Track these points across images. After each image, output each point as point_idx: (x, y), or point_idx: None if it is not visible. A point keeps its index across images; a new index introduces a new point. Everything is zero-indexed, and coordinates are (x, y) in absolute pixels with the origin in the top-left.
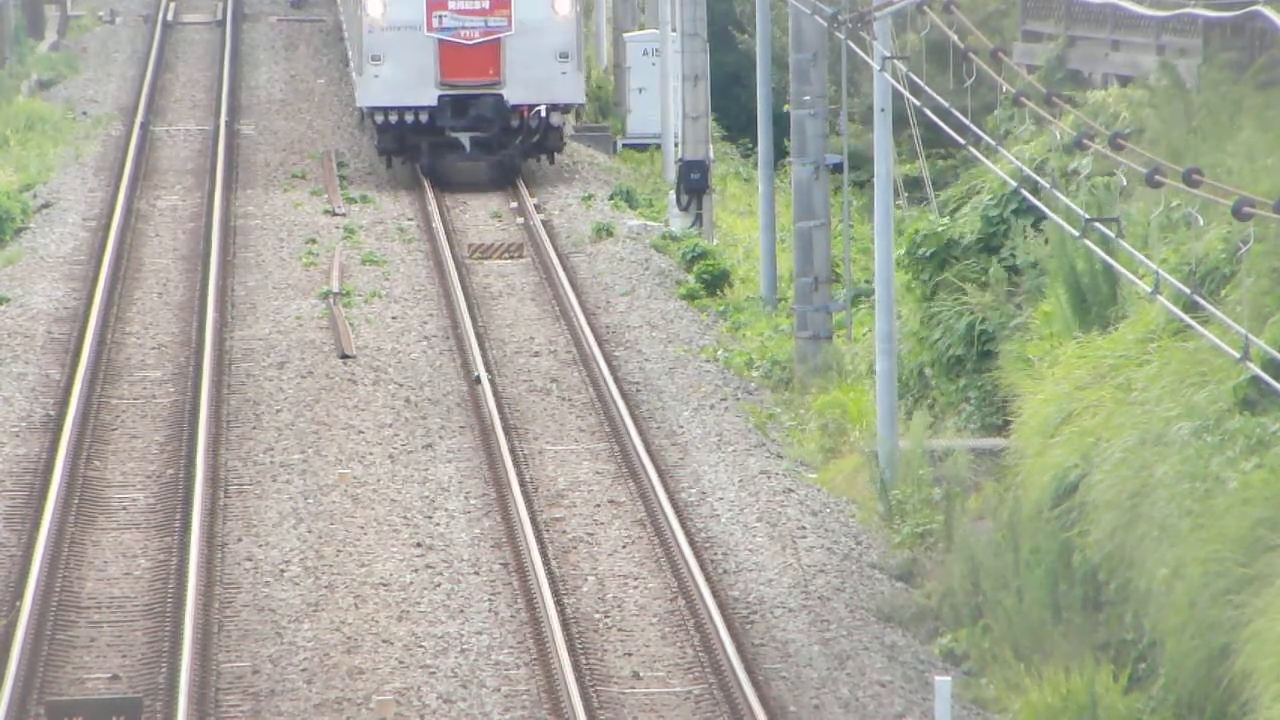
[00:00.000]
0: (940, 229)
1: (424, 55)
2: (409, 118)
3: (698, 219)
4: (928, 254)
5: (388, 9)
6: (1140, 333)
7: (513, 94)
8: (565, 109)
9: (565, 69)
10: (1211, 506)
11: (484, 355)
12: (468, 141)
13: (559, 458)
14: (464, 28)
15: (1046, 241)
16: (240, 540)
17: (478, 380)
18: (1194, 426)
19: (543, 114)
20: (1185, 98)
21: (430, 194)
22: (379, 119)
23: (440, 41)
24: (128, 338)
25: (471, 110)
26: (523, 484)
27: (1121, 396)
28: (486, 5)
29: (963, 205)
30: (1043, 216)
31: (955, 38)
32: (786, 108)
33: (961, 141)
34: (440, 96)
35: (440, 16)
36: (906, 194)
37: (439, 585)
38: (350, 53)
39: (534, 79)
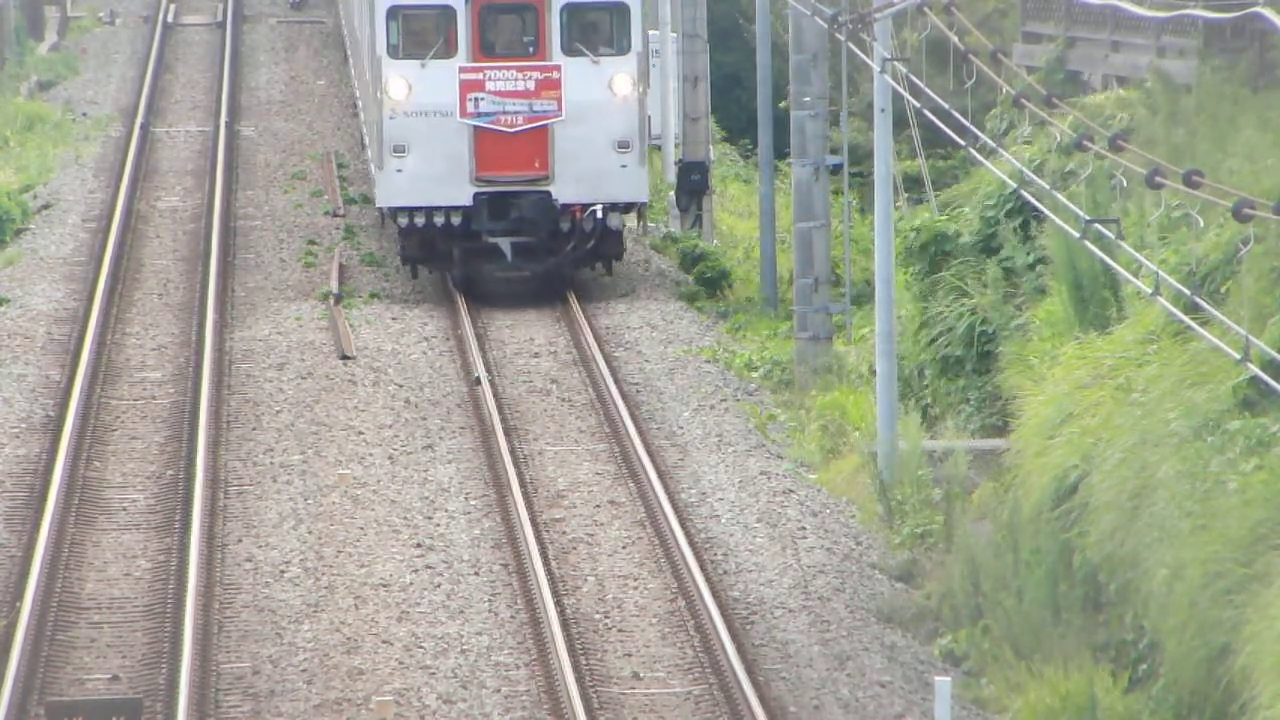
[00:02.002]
0: (936, 223)
1: (457, 145)
2: (439, 220)
3: (698, 220)
4: (918, 246)
5: (413, 90)
6: (1140, 333)
7: (563, 191)
8: (625, 209)
9: (625, 161)
10: (1211, 507)
11: (484, 356)
12: (509, 248)
13: (559, 458)
14: (505, 113)
15: (1043, 245)
16: (240, 541)
17: (477, 381)
18: (1194, 427)
19: (598, 215)
20: (1183, 98)
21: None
22: (403, 221)
23: (476, 129)
24: (128, 339)
25: (514, 211)
26: (523, 485)
27: (1121, 397)
28: (531, 86)
29: (963, 206)
30: (1035, 219)
31: (955, 39)
32: (784, 104)
33: (961, 142)
34: (476, 195)
35: (476, 99)
36: (906, 194)
37: (439, 586)
38: (367, 140)
39: (588, 173)
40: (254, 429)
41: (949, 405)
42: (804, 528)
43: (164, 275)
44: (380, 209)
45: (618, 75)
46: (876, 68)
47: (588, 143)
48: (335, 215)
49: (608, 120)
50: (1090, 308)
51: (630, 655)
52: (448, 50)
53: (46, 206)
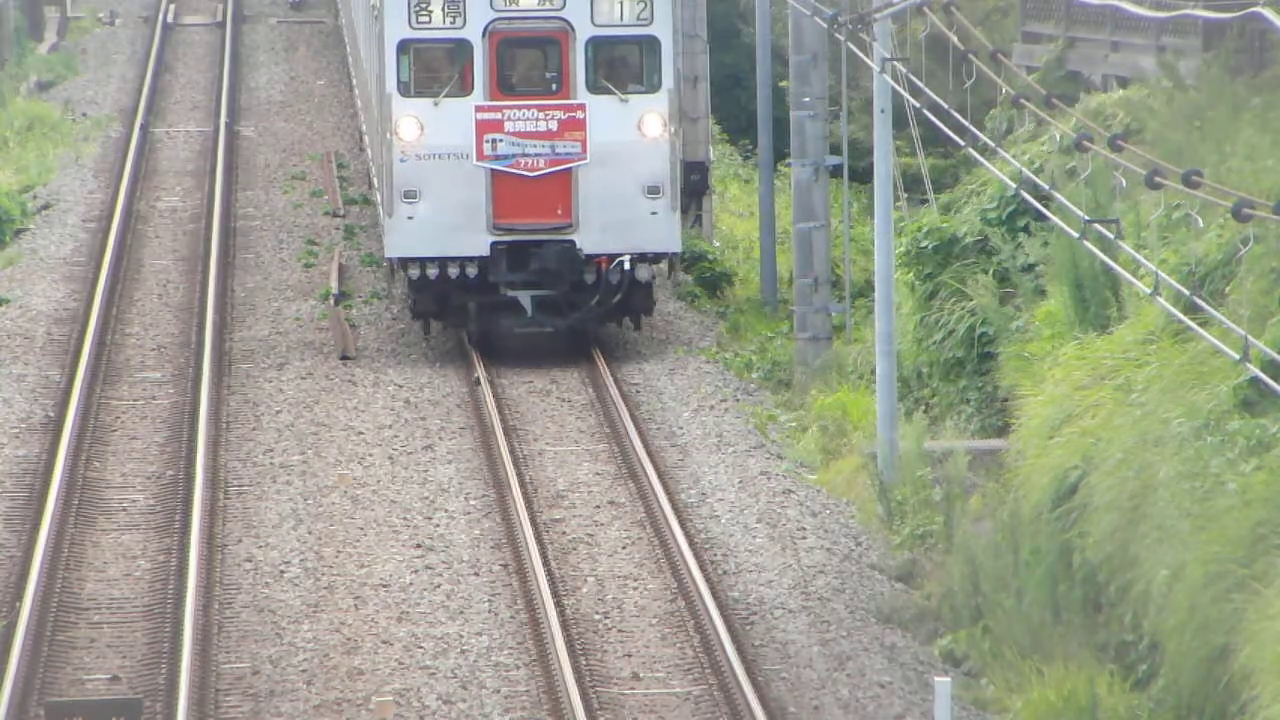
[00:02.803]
0: (943, 224)
1: (473, 191)
2: (453, 271)
3: (697, 220)
4: (930, 248)
5: (425, 131)
6: (1140, 334)
7: (588, 240)
8: (655, 259)
9: (656, 208)
10: (1212, 507)
11: (484, 357)
12: (529, 302)
13: (559, 459)
14: (525, 155)
15: (1045, 244)
16: (240, 541)
17: (477, 382)
18: (1194, 427)
19: (626, 266)
20: (1185, 97)
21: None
22: (413, 273)
23: (494, 173)
24: (127, 339)
25: (534, 262)
26: (522, 485)
27: (1121, 397)
28: (554, 126)
29: (964, 206)
30: (1035, 220)
31: (955, 39)
32: (785, 84)
33: (961, 143)
34: (494, 244)
35: (494, 141)
36: (906, 194)
37: (439, 586)
38: (375, 183)
39: (615, 221)
40: (254, 429)
41: (949, 406)
42: (804, 528)
43: (164, 275)
44: (389, 260)
45: (648, 114)
46: (876, 68)
47: (615, 188)
48: (335, 215)
49: (637, 163)
50: (1091, 308)
51: (630, 655)
52: (463, 87)
53: (46, 207)
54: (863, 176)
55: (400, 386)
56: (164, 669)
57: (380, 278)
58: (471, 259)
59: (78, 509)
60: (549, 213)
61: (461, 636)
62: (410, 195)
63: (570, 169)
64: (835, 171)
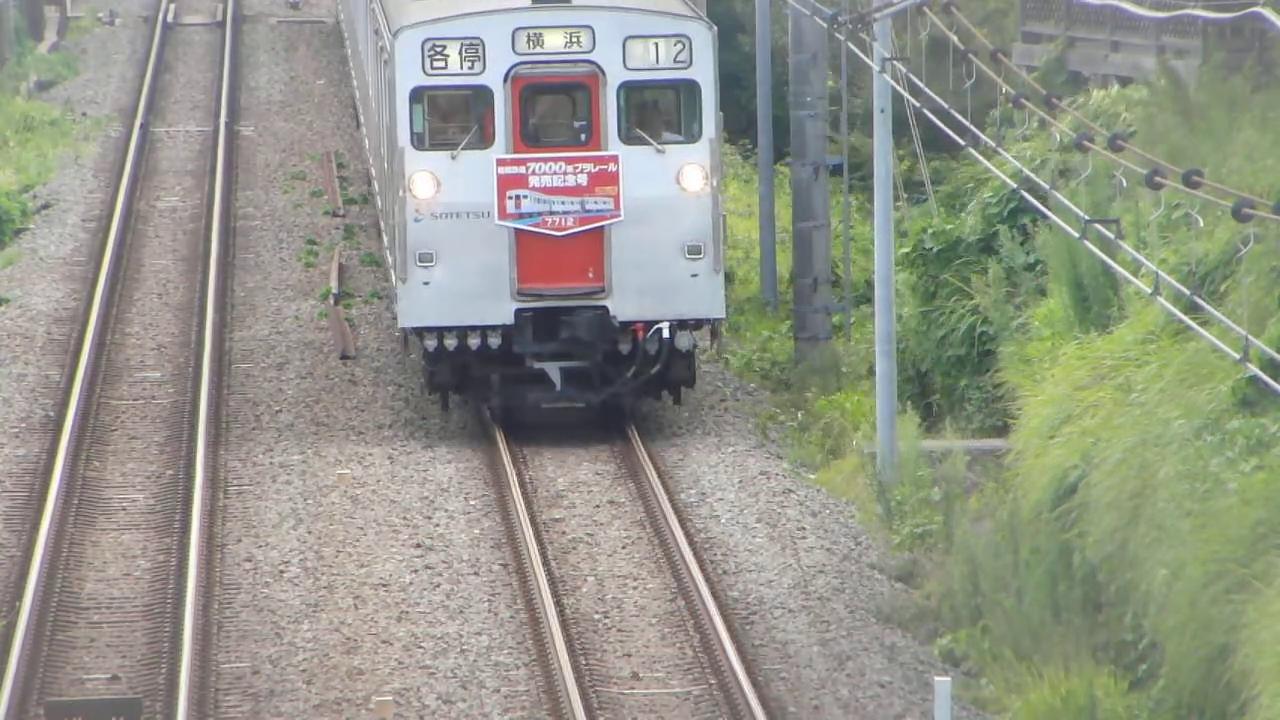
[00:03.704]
0: (949, 226)
1: (494, 253)
2: (473, 341)
3: None
4: (935, 251)
5: (442, 187)
6: (1140, 333)
7: (622, 306)
8: (697, 326)
9: (696, 269)
10: (1211, 507)
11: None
12: (558, 374)
13: (559, 458)
14: (552, 213)
15: (1041, 244)
16: (240, 541)
17: None
18: (1194, 426)
19: (665, 334)
20: (1185, 97)
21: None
22: (430, 343)
23: (518, 233)
24: (127, 338)
25: (563, 330)
26: (522, 484)
27: (1121, 397)
28: (583, 181)
29: (965, 203)
30: (1034, 220)
31: (955, 39)
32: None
33: (961, 142)
34: (518, 311)
35: (518, 197)
36: (906, 195)
37: (438, 586)
38: (386, 243)
39: (652, 285)
40: (254, 429)
41: (949, 405)
42: (804, 528)
43: (164, 275)
44: (403, 330)
45: (687, 167)
46: (876, 68)
47: (652, 248)
48: (335, 215)
49: (675, 221)
50: (1091, 307)
51: (630, 655)
52: (483, 139)
53: (46, 206)
54: (862, 180)
55: (400, 386)
56: (164, 669)
57: (380, 277)
58: (494, 328)
59: (77, 509)
60: (579, 276)
61: (461, 636)
62: (426, 258)
63: (602, 228)
64: (835, 171)
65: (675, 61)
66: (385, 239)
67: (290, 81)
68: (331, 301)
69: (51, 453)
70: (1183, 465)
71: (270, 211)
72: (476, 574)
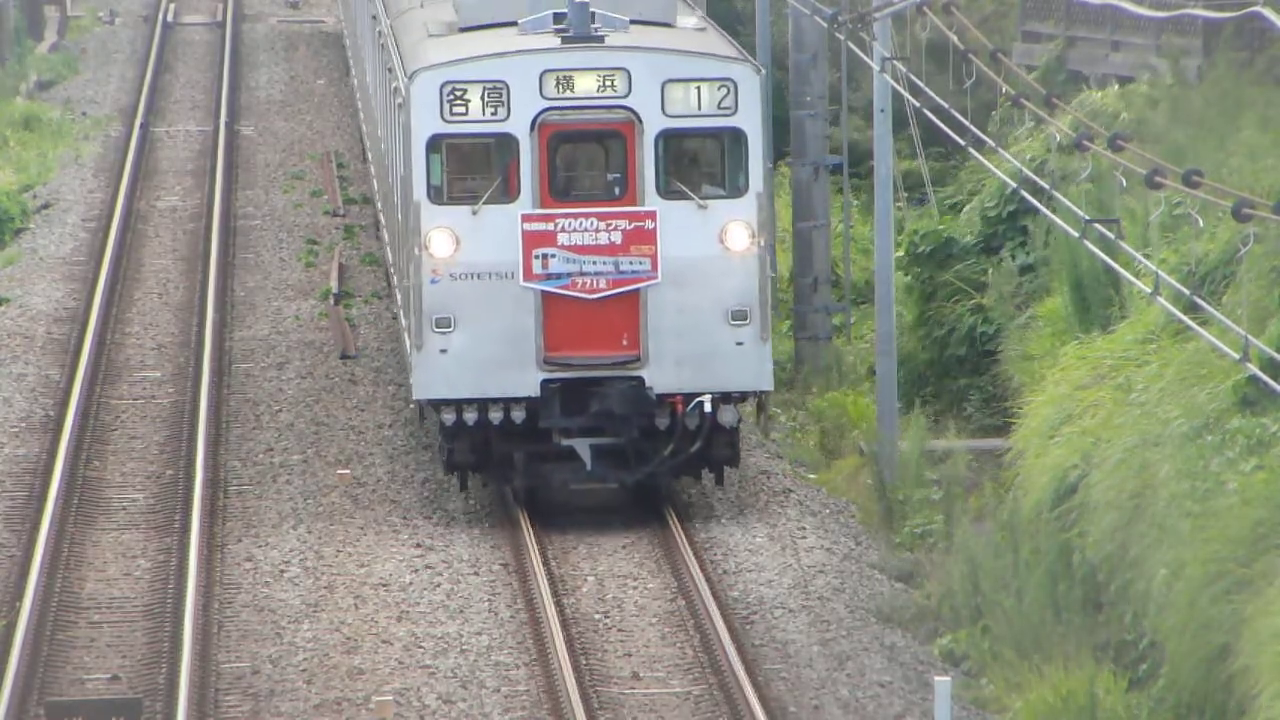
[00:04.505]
0: (940, 227)
1: (519, 317)
2: (495, 415)
3: None
4: (926, 251)
5: (462, 245)
6: (1140, 333)
7: (659, 377)
8: (741, 399)
9: (741, 337)
10: (1211, 507)
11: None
12: (588, 452)
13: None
14: (582, 274)
15: (1047, 244)
16: (240, 541)
17: None
18: (1194, 426)
19: (706, 408)
20: (1187, 95)
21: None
22: (447, 417)
23: (545, 296)
24: (127, 338)
25: (594, 403)
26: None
27: (1121, 397)
28: (618, 239)
29: (964, 205)
30: (1034, 219)
31: (955, 39)
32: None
33: (961, 142)
34: (545, 382)
35: (545, 256)
36: (907, 194)
37: (439, 586)
38: (400, 307)
39: (693, 354)
40: (254, 428)
41: (949, 405)
42: (804, 528)
43: (164, 275)
44: (417, 402)
45: (732, 224)
46: (876, 67)
47: (692, 313)
48: (335, 215)
49: (718, 283)
50: (1092, 307)
51: (630, 655)
52: (507, 192)
53: (46, 206)
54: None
55: (400, 386)
56: (164, 668)
57: (380, 277)
58: (518, 400)
59: (78, 508)
60: (612, 343)
61: (461, 636)
62: (443, 323)
63: (637, 290)
64: (835, 170)
65: (719, 108)
66: (398, 298)
67: (290, 81)
68: (332, 301)
69: (51, 452)
70: (1183, 465)
71: (270, 211)
72: (477, 574)
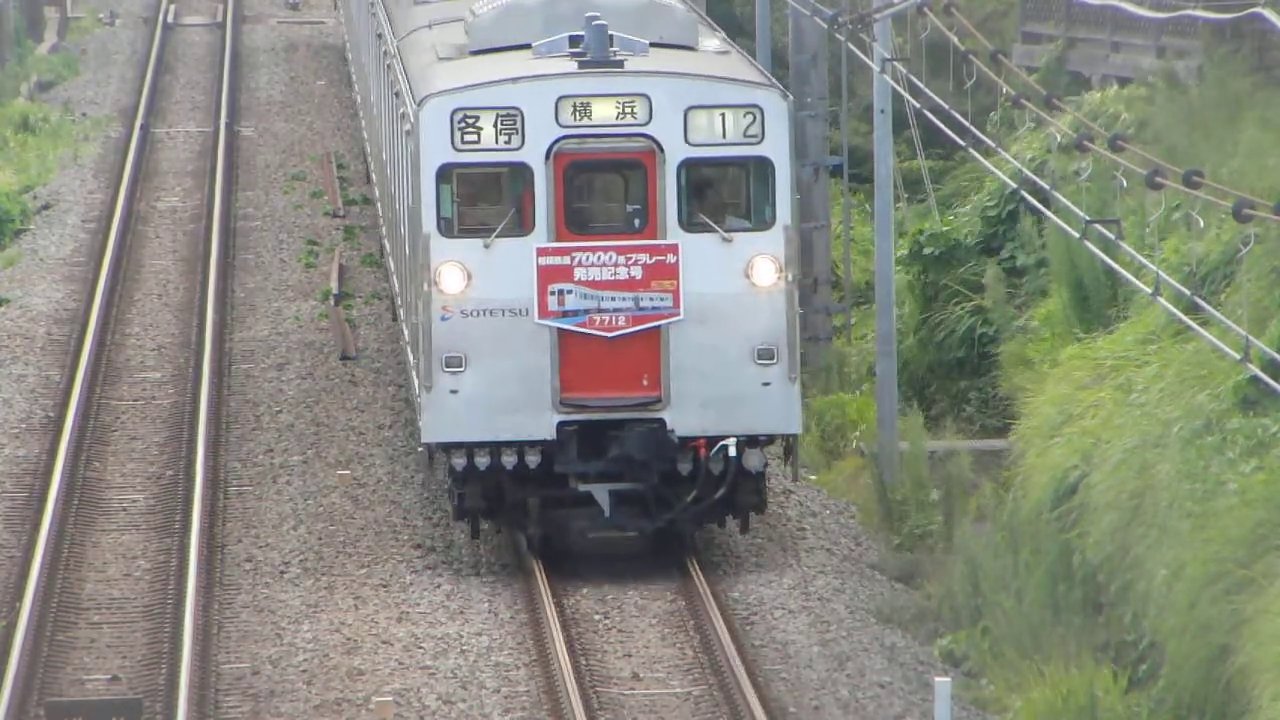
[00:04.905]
0: (946, 228)
1: (534, 356)
2: (509, 459)
3: None
4: (935, 254)
5: (473, 281)
6: (1141, 333)
7: (682, 419)
8: (768, 442)
9: (768, 377)
10: (1212, 507)
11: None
12: (607, 499)
13: None
14: (601, 310)
15: (1043, 245)
16: (240, 541)
17: None
18: (1194, 427)
19: (731, 452)
20: (1186, 97)
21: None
22: (458, 461)
23: (561, 333)
24: (127, 339)
25: (613, 446)
26: None
27: (1121, 397)
28: (638, 273)
29: (961, 204)
30: (1037, 221)
31: (955, 39)
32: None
33: (961, 143)
34: (561, 425)
35: (562, 292)
36: (906, 194)
37: (439, 586)
38: (408, 344)
39: (717, 395)
40: (254, 429)
41: (949, 406)
42: (804, 528)
43: (164, 275)
44: (426, 445)
45: (758, 258)
46: (876, 68)
47: (716, 352)
48: (335, 215)
49: (744, 320)
50: (1091, 307)
51: (630, 655)
52: (521, 225)
53: (46, 207)
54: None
55: (400, 387)
56: (164, 669)
57: (380, 278)
58: (532, 443)
59: (78, 509)
60: (632, 384)
61: (461, 636)
62: (454, 363)
63: (659, 328)
64: (835, 171)
65: (745, 136)
66: (405, 333)
67: (290, 82)
68: (332, 302)
69: (51, 453)
70: (1183, 466)
71: (270, 212)
72: (477, 574)
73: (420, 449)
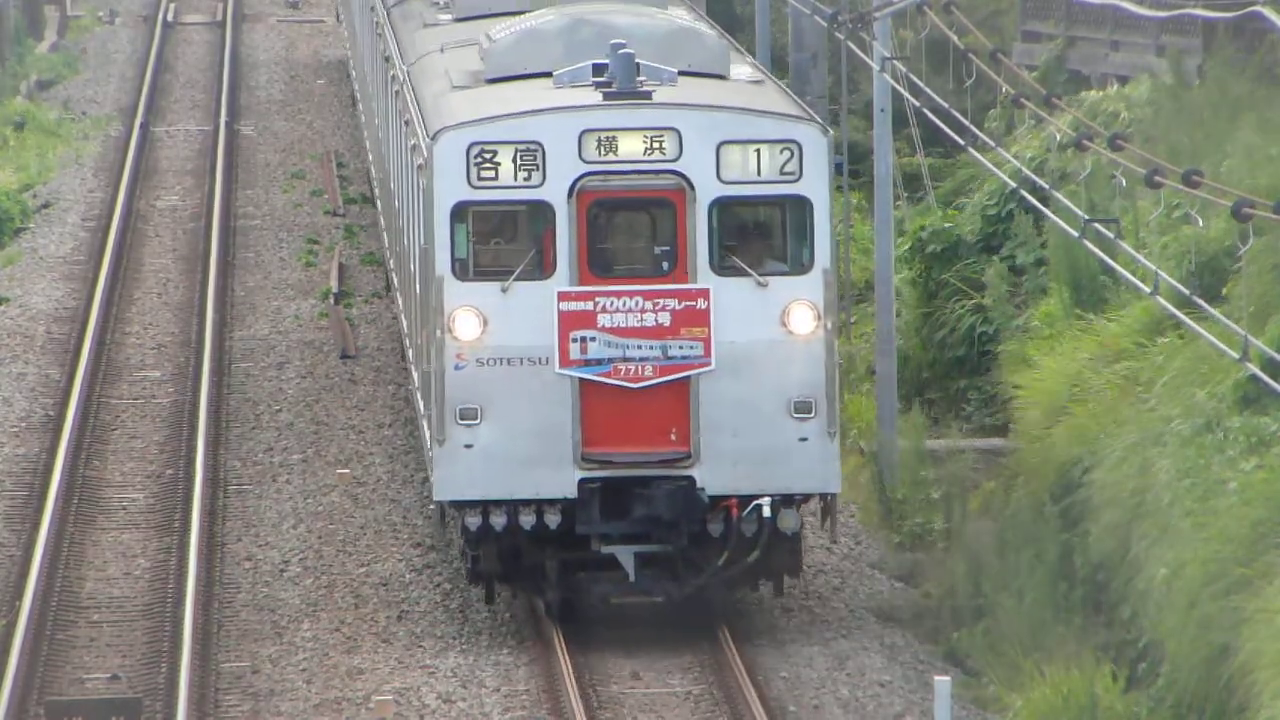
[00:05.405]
0: (948, 225)
1: (554, 408)
2: (527, 519)
3: None
4: (937, 251)
5: (490, 327)
6: (1143, 322)
7: (712, 476)
8: (804, 501)
9: (806, 431)
10: (1212, 507)
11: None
12: (631, 561)
13: None
14: (626, 359)
15: (1044, 244)
16: (240, 540)
17: None
18: (1194, 425)
19: (765, 512)
20: (1188, 95)
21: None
22: (472, 521)
23: (584, 384)
24: (127, 338)
25: (639, 505)
26: None
27: (1126, 386)
28: (666, 320)
29: (960, 201)
30: (1037, 220)
31: (955, 38)
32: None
33: (961, 142)
34: (583, 482)
35: (585, 340)
36: (906, 193)
37: (439, 585)
38: (418, 394)
39: (750, 451)
40: (254, 428)
41: (949, 405)
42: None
43: (164, 274)
44: (438, 503)
45: (795, 304)
46: (876, 67)
47: (750, 405)
48: (335, 214)
49: (780, 371)
50: (1090, 306)
51: (630, 655)
52: (542, 267)
53: (46, 206)
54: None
55: (400, 385)
56: (164, 668)
57: (380, 277)
58: (552, 502)
59: (77, 508)
60: (659, 439)
61: (461, 636)
62: (469, 415)
63: (688, 378)
64: (835, 170)
65: (781, 173)
66: (415, 378)
67: (290, 81)
68: (332, 301)
69: (51, 452)
70: (1183, 464)
71: (270, 211)
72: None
73: (431, 507)
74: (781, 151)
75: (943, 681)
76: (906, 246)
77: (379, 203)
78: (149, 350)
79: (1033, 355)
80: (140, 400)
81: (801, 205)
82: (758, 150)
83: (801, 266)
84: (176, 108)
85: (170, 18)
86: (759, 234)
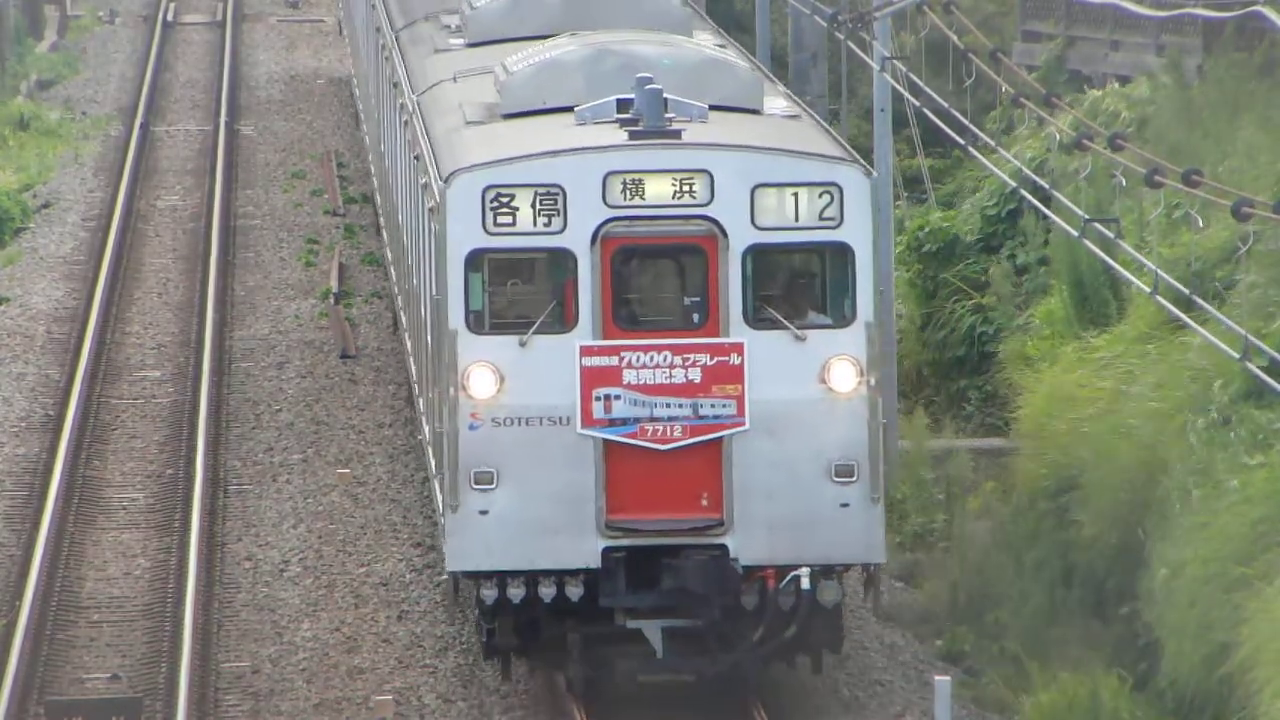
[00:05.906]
0: (946, 224)
1: (576, 472)
2: (546, 591)
3: None
4: (933, 250)
5: (506, 384)
6: (1141, 330)
7: (747, 546)
8: (844, 571)
9: (847, 497)
10: (1212, 505)
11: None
12: (659, 637)
13: None
14: (653, 419)
15: (1046, 243)
16: (240, 540)
17: None
18: (1196, 424)
19: (804, 584)
20: (1188, 94)
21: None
22: (488, 593)
23: (608, 445)
24: (127, 338)
25: (667, 577)
26: None
27: (1123, 392)
28: (697, 376)
29: (963, 203)
30: (1037, 219)
31: (955, 38)
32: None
33: (960, 142)
34: (607, 551)
35: (609, 398)
36: (906, 193)
37: (439, 585)
38: (432, 458)
39: (788, 517)
40: (254, 428)
41: (949, 405)
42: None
43: (164, 274)
44: (452, 574)
45: (835, 360)
46: (876, 67)
47: (787, 468)
48: (335, 214)
49: (819, 432)
50: (1091, 306)
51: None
52: (563, 320)
53: (46, 206)
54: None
55: (400, 385)
56: (164, 668)
57: (380, 277)
58: (574, 572)
59: (78, 508)
60: (689, 504)
61: (461, 636)
62: (484, 479)
63: (721, 439)
64: None
65: (821, 218)
66: (426, 435)
67: (290, 81)
68: (332, 300)
69: (51, 452)
70: (1184, 463)
71: (270, 211)
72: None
73: (444, 578)
74: (821, 195)
75: (943, 681)
76: (903, 246)
77: (385, 233)
78: (149, 350)
79: (1033, 355)
80: (140, 400)
81: (843, 253)
82: (795, 194)
83: (843, 319)
84: (176, 107)
85: (170, 17)
86: (797, 284)
